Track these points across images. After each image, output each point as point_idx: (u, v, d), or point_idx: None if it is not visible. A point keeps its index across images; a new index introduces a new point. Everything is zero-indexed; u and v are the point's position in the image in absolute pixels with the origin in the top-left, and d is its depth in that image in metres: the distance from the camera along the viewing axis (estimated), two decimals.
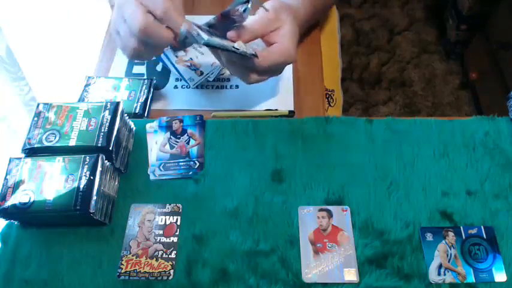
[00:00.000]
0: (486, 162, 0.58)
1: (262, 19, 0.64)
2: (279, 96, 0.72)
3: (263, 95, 0.72)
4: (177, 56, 0.77)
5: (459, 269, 0.51)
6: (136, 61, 0.75)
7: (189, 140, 0.61)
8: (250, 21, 0.63)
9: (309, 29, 0.81)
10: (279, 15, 0.65)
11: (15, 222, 0.55)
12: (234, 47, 0.58)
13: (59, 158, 0.53)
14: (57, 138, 0.55)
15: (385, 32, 2.02)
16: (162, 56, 0.77)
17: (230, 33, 0.61)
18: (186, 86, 0.74)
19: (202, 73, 0.74)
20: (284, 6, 0.66)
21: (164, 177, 0.58)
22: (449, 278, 0.50)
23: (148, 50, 0.59)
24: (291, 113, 0.67)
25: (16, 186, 0.52)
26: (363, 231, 0.54)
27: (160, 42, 0.57)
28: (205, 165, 0.59)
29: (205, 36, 0.56)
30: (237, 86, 0.74)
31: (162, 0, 0.56)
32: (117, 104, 0.57)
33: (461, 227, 0.53)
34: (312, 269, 0.51)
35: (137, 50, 0.58)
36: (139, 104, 0.68)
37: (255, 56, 0.60)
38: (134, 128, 0.63)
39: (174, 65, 0.76)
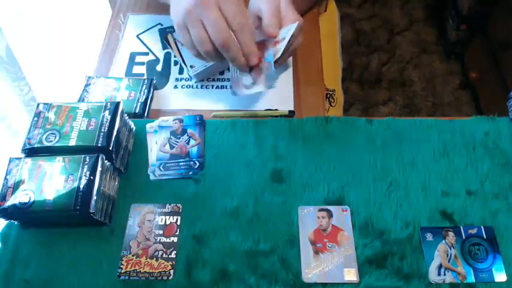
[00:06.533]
0: (486, 162, 0.58)
1: (271, 4, 0.64)
2: (279, 96, 0.72)
3: (263, 95, 0.72)
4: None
5: (459, 269, 0.51)
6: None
7: (189, 140, 0.61)
8: (267, 13, 0.64)
9: (309, 29, 0.81)
10: None
11: (15, 222, 0.55)
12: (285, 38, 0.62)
13: (59, 158, 0.53)
14: (57, 138, 0.55)
15: (385, 32, 2.02)
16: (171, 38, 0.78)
17: (268, 34, 0.64)
18: (187, 86, 0.74)
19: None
20: None
21: (164, 177, 0.58)
22: (449, 278, 0.50)
23: (219, 58, 0.62)
24: (291, 113, 0.67)
25: (16, 186, 0.52)
26: (363, 231, 0.54)
27: (233, 61, 0.61)
28: (205, 165, 0.59)
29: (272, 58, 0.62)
30: None
31: (240, 14, 0.59)
32: (117, 104, 0.57)
33: (461, 227, 0.53)
34: (312, 269, 0.51)
35: (209, 54, 0.61)
36: (139, 104, 0.68)
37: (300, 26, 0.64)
38: (134, 128, 0.63)
39: (178, 49, 0.76)
